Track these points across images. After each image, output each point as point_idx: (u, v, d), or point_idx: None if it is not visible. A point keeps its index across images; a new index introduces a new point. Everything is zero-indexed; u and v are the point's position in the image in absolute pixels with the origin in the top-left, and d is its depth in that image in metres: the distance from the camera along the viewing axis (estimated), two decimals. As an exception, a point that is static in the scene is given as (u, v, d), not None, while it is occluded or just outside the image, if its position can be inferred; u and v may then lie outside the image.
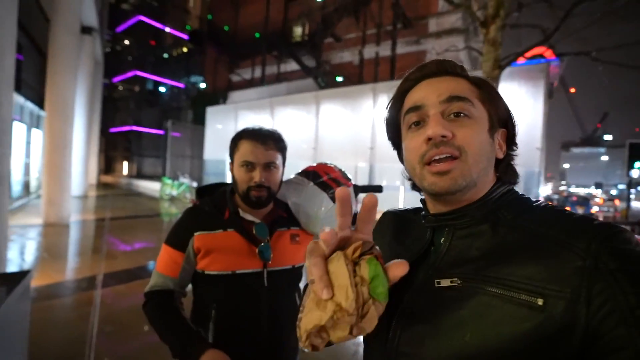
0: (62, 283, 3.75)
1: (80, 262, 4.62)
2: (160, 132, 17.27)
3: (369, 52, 12.72)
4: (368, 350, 0.59)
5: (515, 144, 0.53)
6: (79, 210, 8.81)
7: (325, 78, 13.43)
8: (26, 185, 10.23)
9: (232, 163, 1.00)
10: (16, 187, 8.84)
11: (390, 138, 0.58)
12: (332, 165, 1.16)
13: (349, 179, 1.15)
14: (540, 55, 5.85)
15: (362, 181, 8.61)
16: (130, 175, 21.33)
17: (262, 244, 0.95)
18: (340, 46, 13.80)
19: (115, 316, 3.00)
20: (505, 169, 0.52)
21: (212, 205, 0.99)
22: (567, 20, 4.27)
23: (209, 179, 12.83)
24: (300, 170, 1.16)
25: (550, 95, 5.64)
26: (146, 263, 4.65)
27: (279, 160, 0.98)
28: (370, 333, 0.40)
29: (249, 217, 0.98)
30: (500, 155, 0.51)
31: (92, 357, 2.31)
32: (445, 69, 0.51)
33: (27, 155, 10.20)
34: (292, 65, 14.53)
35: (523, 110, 5.47)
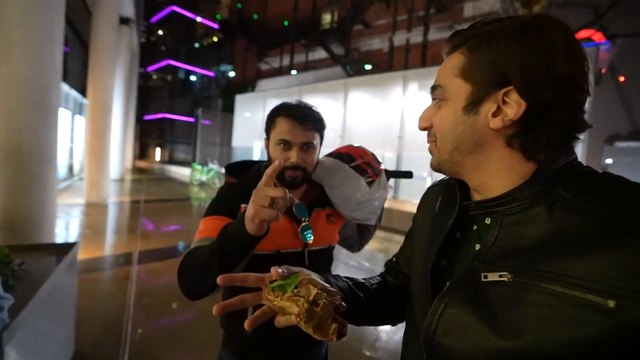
0: (103, 258, 4.01)
1: (118, 240, 4.91)
2: (191, 119, 17.80)
3: (400, 38, 12.31)
4: (406, 338, 0.56)
5: (559, 95, 0.39)
6: (116, 192, 9.32)
7: (353, 66, 13.18)
8: (70, 168, 10.95)
9: (267, 139, 0.96)
10: (62, 169, 9.49)
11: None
12: (364, 148, 1.13)
13: (380, 163, 1.10)
14: (588, 39, 5.37)
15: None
16: (162, 161, 22.26)
17: (304, 224, 0.91)
18: (369, 33, 13.45)
19: (151, 291, 3.17)
20: (536, 138, 0.41)
21: (253, 181, 0.91)
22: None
23: (237, 166, 13.12)
24: (330, 151, 1.12)
25: (597, 81, 5.18)
26: (177, 244, 4.87)
27: (316, 141, 0.94)
28: (407, 320, 0.49)
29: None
30: (498, 124, 0.41)
31: (130, 326, 2.45)
32: (450, 48, 0.48)
33: (72, 140, 10.88)
34: (320, 54, 14.37)
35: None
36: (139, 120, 21.19)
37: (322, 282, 0.50)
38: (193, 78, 25.10)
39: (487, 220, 0.45)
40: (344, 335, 0.46)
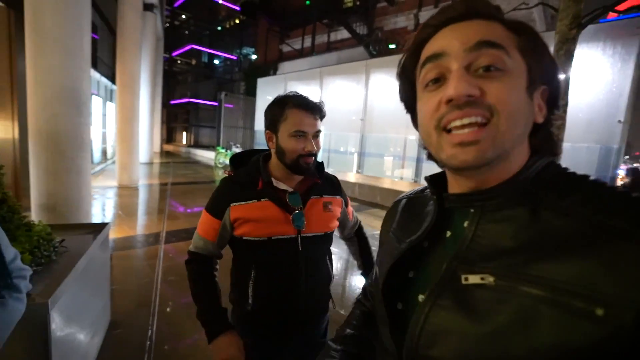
0: (134, 237, 4.29)
1: (147, 220, 5.20)
2: (215, 103, 18.10)
3: (426, 15, 11.76)
4: (382, 351, 0.50)
5: (557, 107, 0.43)
6: (146, 175, 9.78)
7: (377, 46, 12.79)
8: (104, 153, 11.56)
9: (275, 131, 0.98)
10: (96, 154, 10.05)
11: (402, 99, 0.49)
12: None
13: None
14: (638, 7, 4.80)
15: (411, 153, 8.31)
16: (188, 145, 22.97)
17: (295, 212, 0.98)
18: (394, 11, 12.91)
19: (177, 268, 3.37)
20: (544, 138, 0.42)
21: (246, 176, 1.02)
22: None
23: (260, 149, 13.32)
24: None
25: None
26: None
27: (321, 128, 1.02)
28: (381, 330, 0.43)
29: (282, 186, 1.01)
30: (540, 120, 0.41)
31: (158, 300, 2.65)
32: (476, 9, 0.40)
33: (104, 125, 11.43)
34: (343, 34, 14.03)
35: (606, 77, 4.71)
36: (166, 104, 21.81)
37: None
38: (216, 62, 25.35)
39: (465, 223, 0.42)
40: None
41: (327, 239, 1.07)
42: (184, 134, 25.86)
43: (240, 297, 1.02)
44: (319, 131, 0.99)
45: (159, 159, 15.28)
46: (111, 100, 12.01)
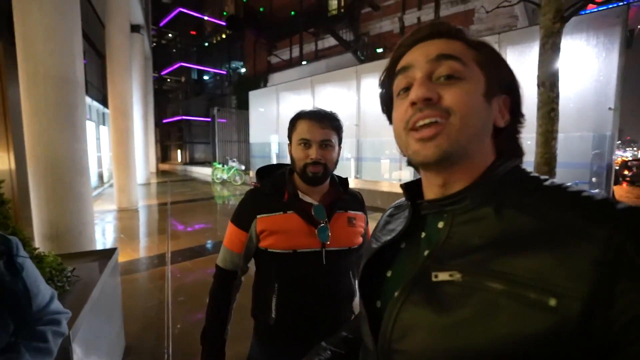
0: (139, 259, 4.25)
1: (150, 242, 5.16)
2: (208, 119, 18.13)
3: (411, 18, 11.95)
4: (363, 348, 0.53)
5: (522, 115, 0.47)
6: (144, 196, 9.73)
7: (365, 51, 12.95)
8: (100, 177, 11.49)
9: (290, 144, 1.04)
10: (93, 178, 9.99)
11: (384, 111, 0.54)
12: None
13: None
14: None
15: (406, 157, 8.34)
16: (184, 162, 22.89)
17: (321, 225, 0.99)
18: (379, 15, 13.11)
19: (185, 288, 3.35)
20: (507, 141, 0.46)
21: (272, 187, 1.04)
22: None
23: (256, 161, 13.29)
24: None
25: (629, 44, 4.83)
26: (205, 242, 5.06)
27: (334, 139, 1.01)
28: (362, 328, 0.46)
29: (307, 199, 1.02)
30: (501, 124, 0.45)
31: (170, 322, 2.62)
32: (439, 31, 0.47)
33: (98, 149, 11.38)
34: (330, 41, 14.19)
35: (592, 66, 4.80)
36: (158, 123, 21.80)
37: None
38: (206, 77, 25.45)
39: (440, 224, 0.44)
40: None
41: (350, 254, 1.07)
42: (179, 151, 25.79)
43: (263, 310, 1.02)
44: (328, 140, 0.99)
45: (156, 178, 15.22)
46: (104, 124, 11.99)
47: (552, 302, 0.32)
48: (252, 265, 1.12)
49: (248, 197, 1.07)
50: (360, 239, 1.10)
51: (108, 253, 2.05)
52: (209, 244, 4.94)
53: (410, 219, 0.50)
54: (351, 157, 9.07)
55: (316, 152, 0.97)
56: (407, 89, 0.45)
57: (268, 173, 1.12)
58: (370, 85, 8.43)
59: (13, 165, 4.72)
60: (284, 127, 12.19)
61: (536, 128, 3.54)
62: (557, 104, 3.48)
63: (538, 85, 3.53)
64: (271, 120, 11.85)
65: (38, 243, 3.12)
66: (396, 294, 0.43)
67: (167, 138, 26.77)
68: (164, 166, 22.63)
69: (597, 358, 0.32)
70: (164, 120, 24.80)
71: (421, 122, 0.41)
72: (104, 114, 11.86)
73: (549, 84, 3.46)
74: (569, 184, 0.40)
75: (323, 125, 0.98)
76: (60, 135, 3.16)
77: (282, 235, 0.98)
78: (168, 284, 3.42)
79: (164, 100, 25.99)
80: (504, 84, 0.46)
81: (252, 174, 12.86)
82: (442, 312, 0.38)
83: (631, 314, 0.30)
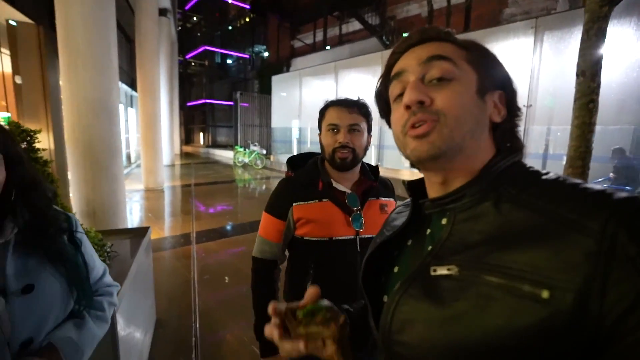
0: (166, 238, 4.46)
1: (176, 222, 5.39)
2: (230, 103, 18.32)
3: (440, 1, 11.45)
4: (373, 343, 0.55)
5: (518, 109, 0.48)
6: (169, 177, 10.07)
7: (390, 36, 12.57)
8: (128, 157, 11.97)
9: (320, 133, 1.06)
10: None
11: (382, 116, 0.56)
12: None
13: None
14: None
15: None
16: (207, 145, 23.40)
17: (355, 213, 1.01)
18: (406, -2, 12.65)
19: (210, 267, 3.50)
20: (504, 135, 0.47)
21: (306, 176, 1.06)
22: None
23: (277, 146, 13.41)
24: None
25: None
26: (227, 223, 5.24)
27: (363, 124, 1.02)
28: (371, 322, 0.49)
29: (341, 187, 1.04)
30: (498, 119, 0.46)
31: (197, 298, 2.77)
32: (429, 35, 0.48)
33: (127, 131, 11.81)
34: (355, 25, 13.87)
35: (637, 55, 4.49)
36: (183, 107, 22.26)
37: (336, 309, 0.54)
38: (229, 61, 25.59)
39: (444, 221, 0.45)
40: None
41: None
42: (202, 134, 26.35)
43: (298, 296, 1.05)
44: (356, 125, 1.00)
45: (180, 160, 15.68)
46: (131, 106, 12.38)
47: (545, 294, 0.32)
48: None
49: (282, 186, 1.09)
50: None
51: (142, 231, 2.17)
52: (231, 226, 5.10)
53: (411, 216, 0.52)
54: (373, 144, 8.99)
55: (344, 136, 0.98)
56: (402, 94, 0.46)
57: (299, 162, 1.15)
58: (396, 71, 8.23)
59: (52, 146, 5.00)
60: (306, 112, 12.06)
61: (572, 120, 3.37)
62: (598, 94, 3.27)
63: (577, 75, 3.34)
64: (293, 105, 11.85)
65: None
66: (396, 287, 0.45)
67: (190, 121, 27.37)
68: (188, 148, 23.23)
69: (593, 351, 0.32)
70: (188, 104, 25.30)
71: (416, 124, 0.43)
72: (131, 96, 12.23)
73: (589, 74, 3.24)
74: (567, 176, 0.40)
75: (351, 110, 1.00)
76: (96, 120, 3.31)
77: (318, 223, 1.01)
78: (194, 262, 3.59)
79: (188, 83, 26.43)
80: (497, 80, 0.47)
81: (273, 158, 12.99)
82: (439, 305, 0.39)
83: (625, 303, 0.30)
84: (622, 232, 0.31)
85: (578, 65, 3.32)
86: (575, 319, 0.31)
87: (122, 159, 3.75)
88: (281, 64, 16.42)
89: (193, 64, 27.41)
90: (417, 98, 0.43)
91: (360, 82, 9.09)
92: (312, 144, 11.81)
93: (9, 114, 4.96)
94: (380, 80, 0.54)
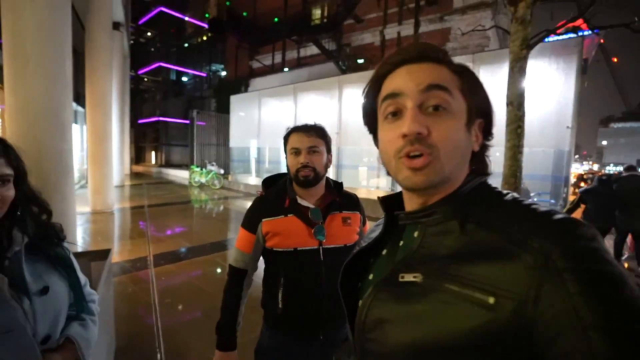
0: (120, 263, 4.19)
1: (130, 245, 5.09)
2: (186, 121, 17.81)
3: (391, 32, 12.45)
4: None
5: (491, 134, 0.52)
6: (119, 198, 9.43)
7: (346, 61, 13.31)
8: (70, 176, 11.01)
9: (286, 155, 1.19)
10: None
11: (366, 123, 0.57)
12: None
13: None
14: (577, 28, 5.50)
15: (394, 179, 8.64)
16: (159, 164, 22.28)
17: (317, 226, 1.13)
18: (361, 27, 13.56)
19: (171, 290, 3.37)
20: (478, 160, 0.51)
21: (275, 195, 1.19)
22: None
23: (235, 166, 13.24)
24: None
25: (584, 70, 5.39)
26: (185, 245, 5.06)
27: (321, 146, 1.16)
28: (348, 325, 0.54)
29: (305, 203, 1.17)
30: (477, 148, 0.50)
31: (160, 322, 2.66)
32: (427, 54, 0.49)
33: (70, 148, 10.92)
34: (312, 49, 14.46)
35: (553, 88, 5.31)
36: (133, 124, 21.12)
37: None
38: (185, 79, 25.00)
39: (416, 234, 0.49)
40: None
41: (347, 250, 1.19)
42: (154, 153, 25.05)
43: (271, 301, 1.16)
44: (315, 147, 1.14)
45: (130, 181, 14.74)
46: (76, 122, 11.54)
47: (491, 300, 0.37)
48: (261, 263, 1.25)
49: (255, 204, 1.22)
50: (356, 237, 1.23)
51: (102, 254, 2.09)
52: (190, 248, 4.93)
53: (385, 228, 0.57)
54: (331, 164, 9.29)
55: (304, 157, 1.12)
56: (395, 113, 0.48)
57: (272, 182, 1.27)
58: (352, 95, 8.72)
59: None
60: (264, 131, 12.12)
61: (505, 143, 3.88)
62: (523, 121, 3.84)
63: (507, 104, 3.89)
64: (252, 124, 11.89)
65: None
66: (368, 291, 0.50)
67: (142, 139, 25.93)
68: (138, 168, 21.90)
69: (536, 355, 0.36)
70: (140, 121, 24.07)
71: (412, 153, 0.46)
72: (76, 112, 11.42)
73: (516, 104, 3.83)
74: (522, 198, 0.46)
75: (309, 134, 1.14)
76: (46, 134, 3.13)
77: (284, 236, 1.13)
78: (153, 286, 3.43)
79: (139, 99, 25.24)
80: (481, 108, 0.50)
81: (231, 178, 12.76)
82: (404, 307, 0.44)
83: (553, 311, 0.34)
84: (555, 248, 0.36)
85: (507, 96, 3.89)
86: (515, 323, 0.36)
87: (73, 178, 3.53)
88: (239, 83, 16.46)
89: (146, 79, 26.36)
90: (417, 130, 0.44)
91: (318, 104, 9.46)
92: (270, 164, 11.87)
93: None
94: (369, 87, 0.54)
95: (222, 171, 12.76)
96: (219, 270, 4.10)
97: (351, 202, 1.26)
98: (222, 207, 8.86)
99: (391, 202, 0.58)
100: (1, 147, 0.73)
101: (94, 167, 7.40)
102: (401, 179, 0.48)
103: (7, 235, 0.72)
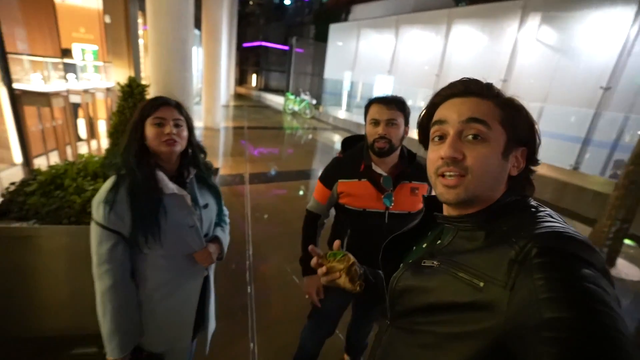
0: (224, 176, 5.06)
1: (232, 161, 5.99)
2: (285, 47, 18.13)
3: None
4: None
5: (537, 160, 0.58)
6: (224, 118, 10.72)
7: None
8: (188, 93, 12.73)
9: (365, 125, 1.28)
10: (183, 94, 11.14)
11: (420, 141, 0.68)
12: None
13: None
14: None
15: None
16: (259, 88, 23.81)
17: (387, 193, 1.25)
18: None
19: (261, 207, 4.04)
20: (519, 183, 0.57)
21: (351, 158, 1.31)
22: None
23: (327, 98, 13.39)
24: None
25: None
26: (275, 169, 5.74)
27: (400, 119, 1.21)
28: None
29: (378, 170, 1.26)
30: (515, 173, 0.56)
31: (250, 231, 3.32)
32: (471, 89, 0.57)
33: (188, 68, 12.42)
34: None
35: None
36: (238, 47, 22.41)
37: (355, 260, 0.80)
38: (287, 1, 24.69)
39: (451, 233, 0.60)
40: (363, 289, 0.76)
41: (411, 217, 1.26)
42: (254, 76, 26.66)
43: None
44: (394, 119, 1.19)
45: (233, 101, 16.31)
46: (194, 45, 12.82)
47: (481, 283, 0.48)
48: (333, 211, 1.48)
49: (333, 163, 1.37)
50: (421, 205, 1.24)
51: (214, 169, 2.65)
52: (279, 172, 5.60)
53: (420, 222, 0.71)
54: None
55: (382, 129, 1.19)
56: (440, 137, 0.57)
57: (351, 143, 1.41)
58: (462, 33, 7.65)
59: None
60: (360, 65, 11.68)
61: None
62: None
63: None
64: (349, 56, 11.53)
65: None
66: (400, 269, 0.66)
67: (245, 62, 27.60)
68: (241, 89, 23.84)
69: (509, 332, 0.44)
70: (244, 45, 25.33)
71: (447, 173, 0.55)
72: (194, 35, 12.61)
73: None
74: (556, 214, 0.52)
75: (390, 107, 1.19)
76: (173, 64, 3.75)
77: (356, 197, 1.27)
78: (247, 200, 4.15)
79: (244, 23, 26.19)
80: (523, 138, 0.56)
81: (321, 109, 13.07)
82: (420, 282, 0.58)
83: (520, 294, 0.43)
84: (534, 248, 0.44)
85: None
86: (495, 304, 0.45)
87: (192, 100, 4.21)
88: (340, 10, 15.61)
89: (251, 2, 26.83)
90: (452, 155, 0.53)
91: (421, 40, 8.59)
92: (362, 99, 11.68)
93: (96, 47, 5.61)
94: (423, 114, 0.65)
95: (314, 101, 13.10)
96: (300, 195, 4.66)
97: (421, 173, 1.29)
98: (310, 137, 9.39)
99: (433, 202, 0.67)
100: (176, 103, 1.05)
101: (207, 88, 8.45)
102: (437, 192, 0.58)
103: (186, 168, 1.08)
